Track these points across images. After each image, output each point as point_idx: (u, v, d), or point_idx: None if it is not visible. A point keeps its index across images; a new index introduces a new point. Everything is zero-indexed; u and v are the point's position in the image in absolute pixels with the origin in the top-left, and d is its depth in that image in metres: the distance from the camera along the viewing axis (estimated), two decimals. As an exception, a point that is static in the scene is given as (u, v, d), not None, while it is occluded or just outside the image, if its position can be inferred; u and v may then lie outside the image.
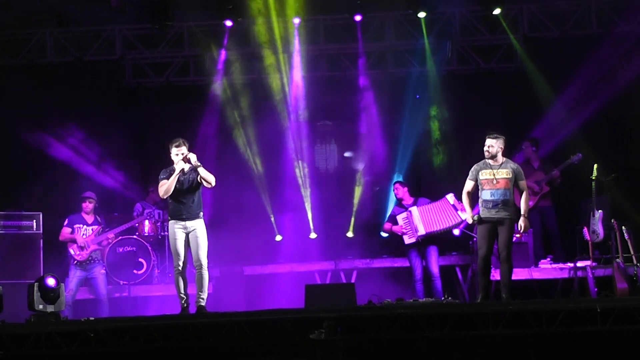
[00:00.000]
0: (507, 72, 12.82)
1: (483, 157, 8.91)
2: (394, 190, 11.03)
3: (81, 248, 10.60)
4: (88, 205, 10.75)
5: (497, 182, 8.73)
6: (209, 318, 7.76)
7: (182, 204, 8.69)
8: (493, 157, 8.81)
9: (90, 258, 10.62)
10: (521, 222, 8.81)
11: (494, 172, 8.77)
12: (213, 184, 8.71)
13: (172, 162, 8.72)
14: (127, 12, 12.06)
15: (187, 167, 8.66)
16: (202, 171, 8.60)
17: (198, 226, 8.71)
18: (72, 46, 12.60)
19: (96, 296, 10.66)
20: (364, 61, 12.65)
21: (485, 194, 8.77)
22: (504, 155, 8.87)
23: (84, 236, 10.66)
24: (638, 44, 11.31)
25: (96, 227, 10.76)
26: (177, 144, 8.68)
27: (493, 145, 8.81)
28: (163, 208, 11.61)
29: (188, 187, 8.71)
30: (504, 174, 8.76)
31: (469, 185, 8.93)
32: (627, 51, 11.49)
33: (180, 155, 8.62)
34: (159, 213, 11.49)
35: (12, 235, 10.97)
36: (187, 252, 8.71)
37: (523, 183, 8.89)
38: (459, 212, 10.35)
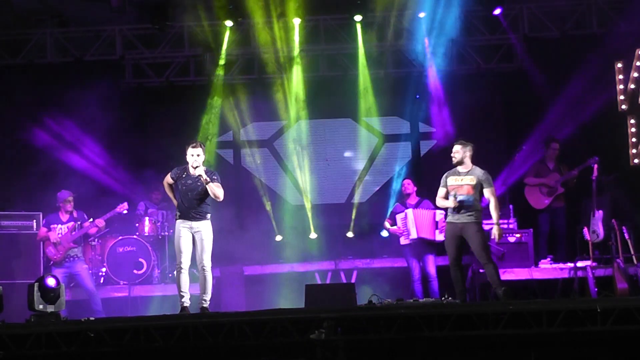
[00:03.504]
0: (507, 72, 12.82)
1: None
2: (403, 186, 10.99)
3: (55, 246, 10.58)
4: (70, 206, 10.71)
5: (461, 188, 8.84)
6: (209, 318, 7.75)
7: (190, 205, 8.73)
8: (459, 163, 8.91)
9: (67, 256, 10.59)
10: (494, 231, 8.87)
11: (461, 178, 8.89)
12: (221, 198, 8.75)
13: (186, 162, 8.78)
14: (127, 12, 12.07)
15: (197, 171, 8.68)
16: (211, 187, 8.63)
17: (204, 228, 8.74)
18: (72, 46, 12.60)
19: (85, 291, 10.64)
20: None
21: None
22: (473, 162, 8.92)
23: (59, 235, 10.65)
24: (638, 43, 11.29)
25: (71, 224, 10.70)
26: (193, 144, 8.75)
27: (458, 151, 8.92)
28: (165, 209, 11.61)
29: (197, 190, 8.73)
30: (468, 180, 8.84)
31: (441, 192, 9.04)
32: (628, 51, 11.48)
33: (195, 156, 8.67)
34: (162, 214, 11.49)
35: (12, 235, 10.98)
36: (191, 252, 8.73)
37: (489, 190, 8.84)
38: (437, 231, 10.45)
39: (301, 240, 12.44)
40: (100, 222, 10.74)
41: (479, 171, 8.90)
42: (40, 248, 10.91)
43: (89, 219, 10.80)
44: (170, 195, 9.03)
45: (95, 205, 11.63)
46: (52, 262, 10.56)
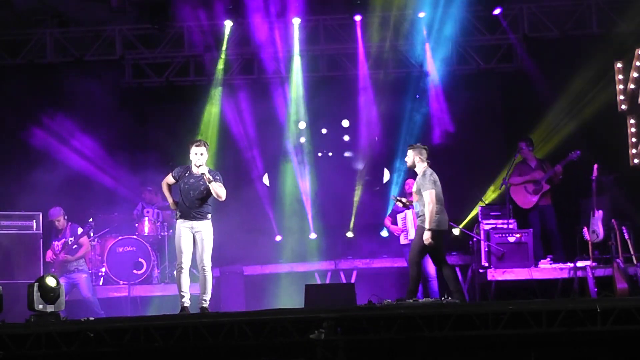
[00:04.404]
0: (507, 72, 12.82)
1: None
2: (406, 185, 10.97)
3: (51, 264, 10.63)
4: (59, 224, 10.77)
5: (413, 195, 8.83)
6: (209, 318, 7.75)
7: (191, 205, 8.73)
8: (410, 167, 8.87)
9: (65, 271, 10.61)
10: (425, 235, 8.66)
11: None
12: (223, 198, 8.75)
13: (189, 161, 8.78)
14: (127, 12, 12.07)
15: (200, 170, 8.66)
16: (214, 186, 8.63)
17: (204, 228, 8.74)
18: (72, 46, 12.59)
19: (84, 297, 10.67)
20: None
21: None
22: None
23: (57, 250, 10.69)
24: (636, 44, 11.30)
25: (63, 240, 10.75)
26: (197, 143, 8.76)
27: (408, 155, 8.86)
28: (161, 209, 11.62)
29: (199, 189, 8.73)
30: (414, 186, 8.82)
31: None
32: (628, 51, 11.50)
33: (198, 155, 8.66)
34: (157, 213, 11.49)
35: (12, 235, 10.98)
36: (192, 251, 8.73)
37: (424, 194, 8.66)
38: None
39: (301, 240, 12.45)
40: (70, 254, 10.73)
41: (419, 176, 8.78)
42: (40, 248, 10.92)
43: (83, 232, 10.84)
44: (167, 194, 9.00)
45: (95, 205, 11.67)
46: None
